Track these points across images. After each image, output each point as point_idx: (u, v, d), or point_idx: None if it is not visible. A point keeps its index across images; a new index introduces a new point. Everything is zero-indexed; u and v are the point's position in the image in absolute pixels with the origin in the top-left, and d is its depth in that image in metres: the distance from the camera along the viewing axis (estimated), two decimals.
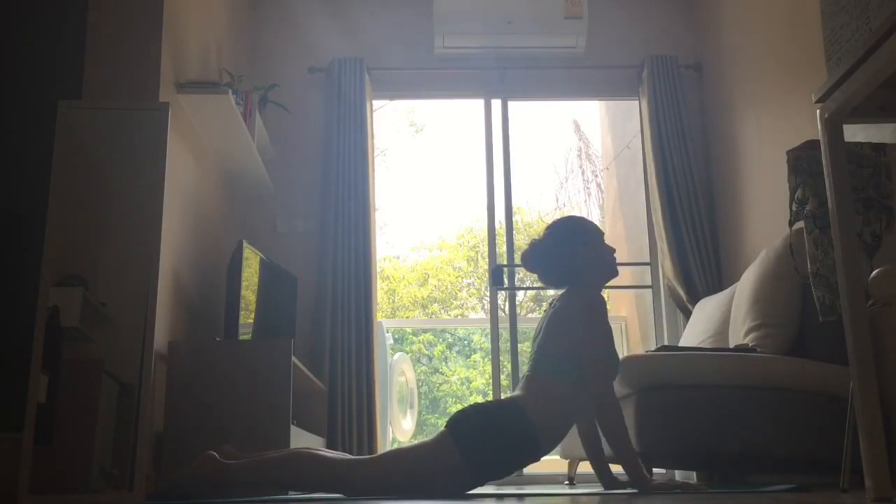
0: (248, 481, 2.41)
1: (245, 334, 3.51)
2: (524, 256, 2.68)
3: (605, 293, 9.05)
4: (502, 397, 2.87)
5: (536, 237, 2.70)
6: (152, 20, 3.15)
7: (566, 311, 2.55)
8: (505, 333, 4.78)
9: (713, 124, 4.76)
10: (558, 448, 3.98)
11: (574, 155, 11.98)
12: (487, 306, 4.90)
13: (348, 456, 2.50)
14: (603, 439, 2.61)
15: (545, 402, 2.46)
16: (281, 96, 4.49)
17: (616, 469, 2.79)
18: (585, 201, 11.78)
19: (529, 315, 11.09)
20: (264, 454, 2.47)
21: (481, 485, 2.47)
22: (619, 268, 2.69)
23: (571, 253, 2.59)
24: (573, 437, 3.73)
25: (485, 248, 4.99)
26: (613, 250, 2.66)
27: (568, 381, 2.47)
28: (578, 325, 2.49)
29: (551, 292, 2.70)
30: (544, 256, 2.65)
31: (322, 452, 2.47)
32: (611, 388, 2.46)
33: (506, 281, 4.76)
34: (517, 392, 2.55)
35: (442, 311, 12.80)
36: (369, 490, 2.39)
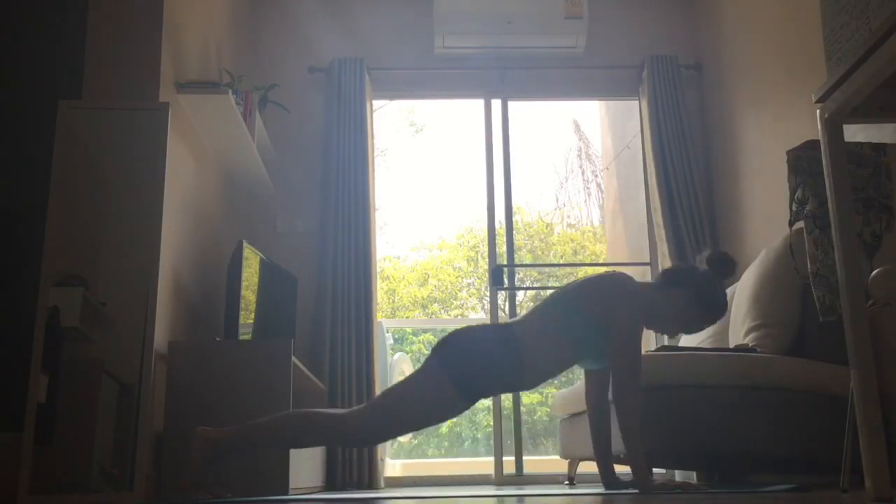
0: (243, 447, 2.44)
1: (245, 334, 3.51)
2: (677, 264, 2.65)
3: None
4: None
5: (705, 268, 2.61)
6: (152, 20, 3.15)
7: (623, 295, 2.52)
8: None
9: (713, 124, 4.76)
10: (559, 448, 3.99)
11: (574, 155, 11.96)
12: (487, 306, 4.90)
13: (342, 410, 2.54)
14: (613, 437, 2.63)
15: (540, 343, 2.50)
16: (281, 96, 4.49)
17: (618, 469, 2.79)
18: (585, 201, 11.77)
19: None
20: (256, 420, 2.50)
21: (472, 403, 2.51)
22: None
23: (687, 293, 2.55)
24: (573, 438, 3.73)
25: (485, 248, 4.99)
26: (680, 334, 2.73)
27: (572, 337, 2.50)
28: (628, 312, 2.48)
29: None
30: (683, 274, 2.60)
31: (314, 410, 2.50)
32: (637, 377, 2.47)
33: (506, 281, 4.76)
34: (516, 319, 2.59)
35: (442, 311, 12.79)
36: (366, 435, 2.43)
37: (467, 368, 2.44)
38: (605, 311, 2.49)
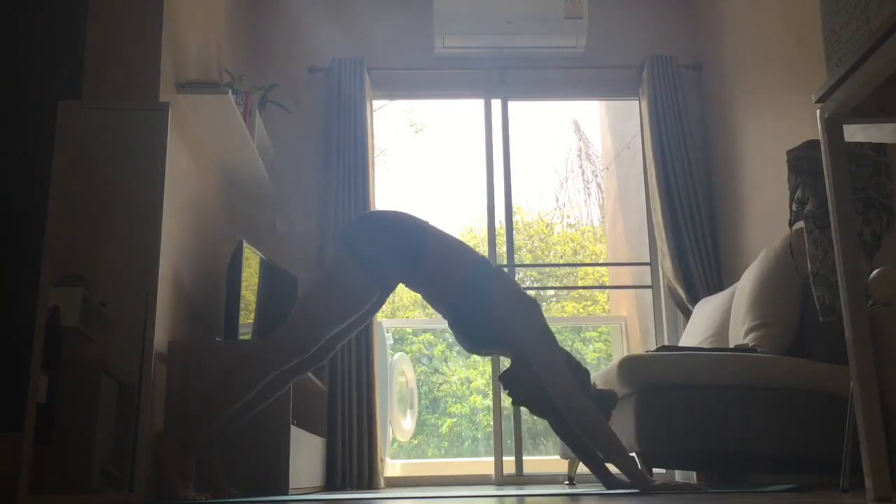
0: (208, 425, 2.51)
1: (245, 334, 3.51)
2: None
3: (606, 293, 8.95)
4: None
5: None
6: (152, 20, 3.15)
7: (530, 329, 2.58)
8: None
9: (713, 124, 4.76)
10: (559, 448, 3.98)
11: (574, 155, 11.96)
12: None
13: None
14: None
15: (448, 259, 2.57)
16: (281, 96, 4.49)
17: (615, 469, 2.78)
18: (585, 201, 11.77)
19: None
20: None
21: (388, 285, 2.59)
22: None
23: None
24: None
25: (485, 248, 4.98)
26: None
27: (478, 280, 2.55)
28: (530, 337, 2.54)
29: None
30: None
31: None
32: (564, 377, 2.46)
33: None
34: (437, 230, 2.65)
35: None
36: (303, 340, 2.49)
37: (371, 245, 2.53)
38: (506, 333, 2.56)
